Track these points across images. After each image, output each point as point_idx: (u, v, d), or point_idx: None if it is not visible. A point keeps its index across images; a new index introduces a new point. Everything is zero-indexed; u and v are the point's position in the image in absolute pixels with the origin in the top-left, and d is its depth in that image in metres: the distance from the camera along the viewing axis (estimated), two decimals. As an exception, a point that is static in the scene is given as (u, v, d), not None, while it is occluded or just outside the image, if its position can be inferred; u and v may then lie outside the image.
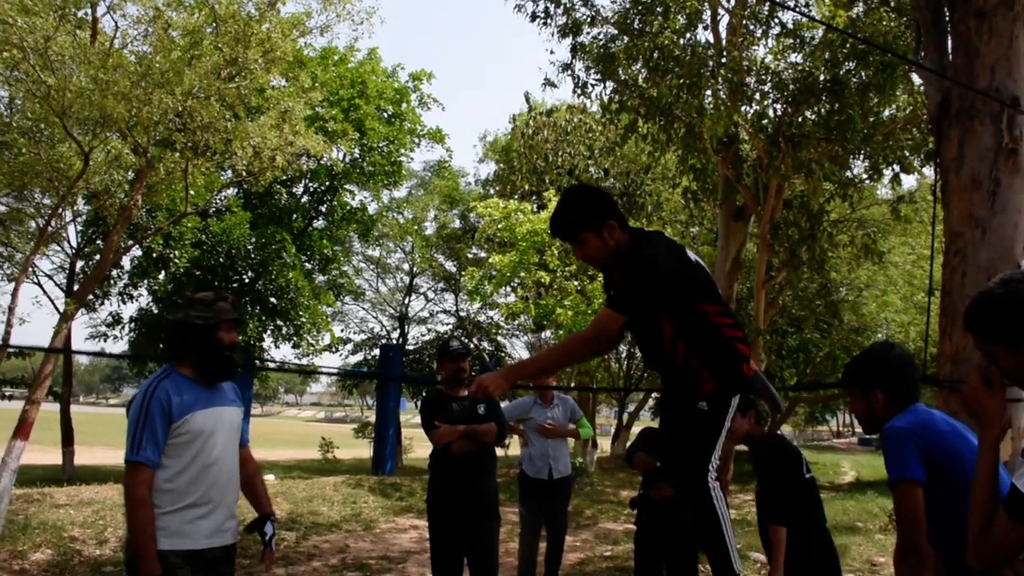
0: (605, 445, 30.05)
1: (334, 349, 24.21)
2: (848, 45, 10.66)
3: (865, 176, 13.20)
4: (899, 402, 2.90)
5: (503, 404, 6.42)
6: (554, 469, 7.09)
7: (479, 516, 5.21)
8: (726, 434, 3.28)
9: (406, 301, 29.25)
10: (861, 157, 12.46)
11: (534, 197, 20.83)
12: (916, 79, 10.68)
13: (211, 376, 3.47)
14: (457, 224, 28.03)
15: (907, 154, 12.02)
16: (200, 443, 3.35)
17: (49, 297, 18.76)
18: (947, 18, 5.62)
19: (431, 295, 29.99)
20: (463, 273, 20.96)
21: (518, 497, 7.35)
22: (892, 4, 10.72)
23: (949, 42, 5.59)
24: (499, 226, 16.47)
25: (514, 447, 19.71)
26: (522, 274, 16.38)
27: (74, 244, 18.41)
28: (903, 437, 2.74)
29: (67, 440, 17.94)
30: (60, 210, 12.60)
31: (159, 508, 3.27)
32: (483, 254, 23.25)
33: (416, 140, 22.54)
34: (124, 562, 3.45)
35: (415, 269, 28.96)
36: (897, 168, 12.19)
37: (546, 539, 7.18)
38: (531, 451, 7.20)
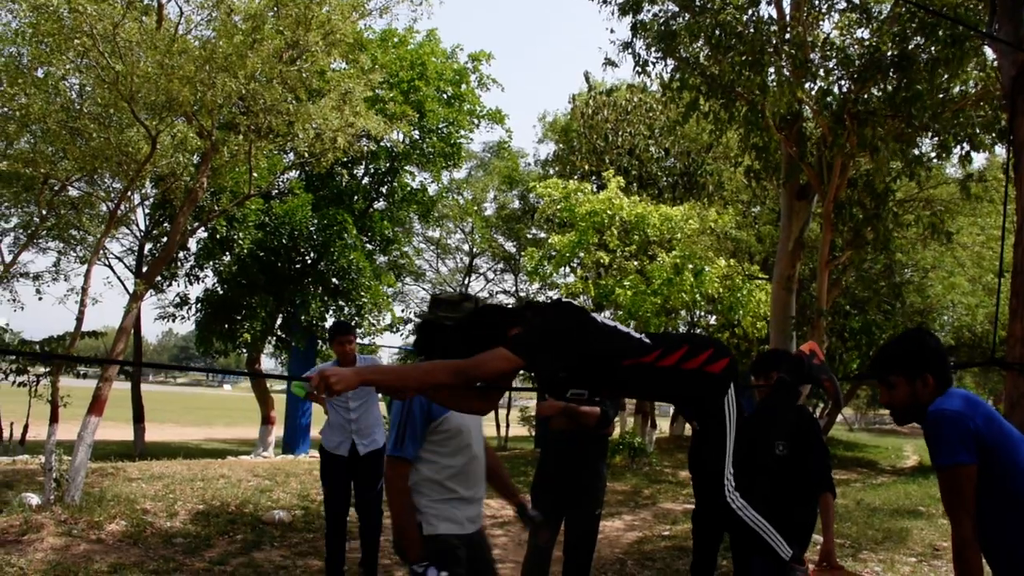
0: (664, 426, 29.91)
1: (395, 329, 24.49)
2: (917, 19, 10.37)
3: (933, 154, 12.84)
4: (945, 385, 2.83)
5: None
6: (358, 443, 6.31)
7: (582, 499, 5.18)
8: (734, 434, 3.08)
9: (466, 281, 29.42)
10: (929, 135, 12.14)
11: (594, 177, 20.73)
12: (989, 53, 10.34)
13: None
14: (516, 204, 28.03)
15: (978, 131, 11.65)
16: (460, 438, 3.53)
17: (119, 278, 19.42)
18: (1022, -11, 5.44)
19: (491, 275, 30.16)
20: (523, 253, 20.96)
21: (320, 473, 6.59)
22: (963, -25, 10.38)
23: (1024, 14, 5.42)
24: (558, 206, 16.45)
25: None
26: (581, 254, 16.34)
27: (142, 227, 18.98)
28: (955, 420, 2.66)
29: (138, 417, 18.54)
30: (129, 193, 12.94)
31: (429, 497, 3.47)
32: (542, 234, 23.25)
33: (475, 121, 22.60)
34: (396, 549, 3.64)
35: (475, 249, 29.11)
36: (967, 146, 11.84)
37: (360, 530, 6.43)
38: (330, 421, 6.42)
